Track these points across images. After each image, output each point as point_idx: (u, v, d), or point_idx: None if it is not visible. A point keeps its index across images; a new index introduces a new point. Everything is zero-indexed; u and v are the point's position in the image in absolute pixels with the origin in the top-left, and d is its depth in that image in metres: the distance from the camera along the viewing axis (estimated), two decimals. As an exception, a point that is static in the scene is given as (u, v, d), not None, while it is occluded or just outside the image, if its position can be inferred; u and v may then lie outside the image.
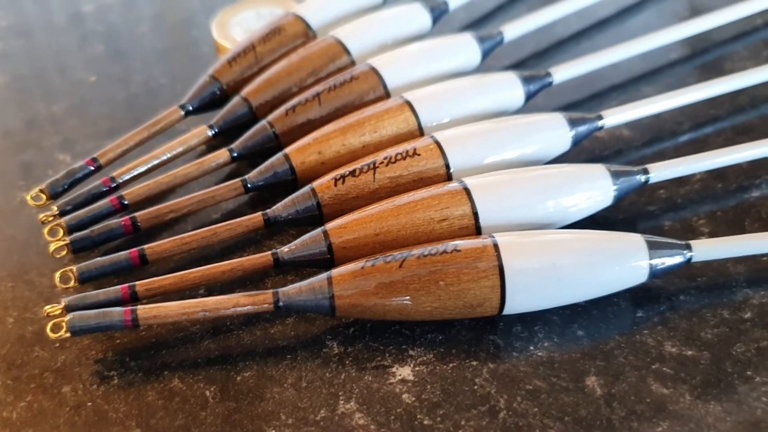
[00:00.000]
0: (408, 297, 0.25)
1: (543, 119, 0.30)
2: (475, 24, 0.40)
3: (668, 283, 0.27)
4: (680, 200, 0.30)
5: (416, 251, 0.25)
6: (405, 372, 0.25)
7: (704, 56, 0.37)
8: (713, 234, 0.29)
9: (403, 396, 0.25)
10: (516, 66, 0.37)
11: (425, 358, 0.26)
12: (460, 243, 0.26)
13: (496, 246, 0.25)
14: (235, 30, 0.39)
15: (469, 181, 0.27)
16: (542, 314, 0.27)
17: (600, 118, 0.31)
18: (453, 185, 0.27)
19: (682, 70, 0.36)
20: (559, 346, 0.26)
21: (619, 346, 0.26)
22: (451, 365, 0.26)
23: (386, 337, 0.26)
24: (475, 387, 0.25)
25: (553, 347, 0.26)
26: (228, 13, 0.40)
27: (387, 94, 0.32)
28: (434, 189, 0.27)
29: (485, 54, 0.35)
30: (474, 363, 0.26)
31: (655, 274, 0.26)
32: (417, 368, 0.25)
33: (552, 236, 0.26)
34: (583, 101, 0.35)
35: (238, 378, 0.26)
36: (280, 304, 0.26)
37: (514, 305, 0.25)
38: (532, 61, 0.37)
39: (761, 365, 0.25)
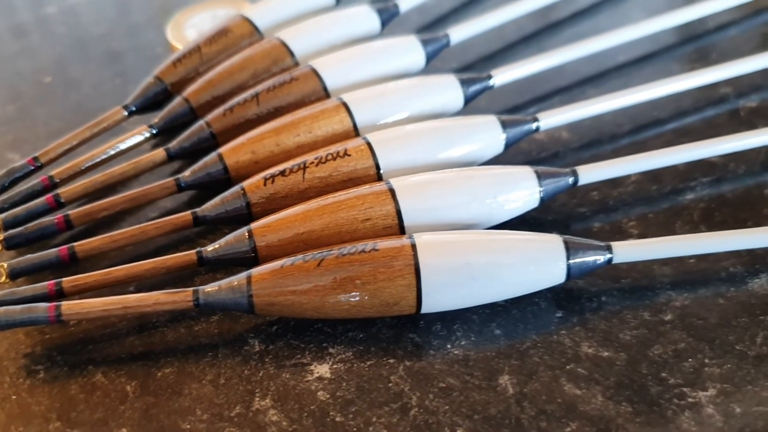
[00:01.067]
0: (325, 296, 0.25)
1: (476, 122, 0.31)
2: (430, 26, 0.40)
3: (591, 284, 0.27)
4: (612, 202, 0.30)
5: (335, 251, 0.26)
6: (323, 370, 0.26)
7: (653, 59, 0.37)
8: (642, 236, 0.29)
9: (319, 393, 0.25)
10: (464, 69, 0.37)
11: (344, 356, 0.26)
12: (379, 242, 0.26)
13: (413, 246, 0.25)
14: (189, 32, 0.39)
15: (395, 182, 0.28)
16: (462, 313, 0.27)
17: (535, 120, 0.31)
18: (379, 186, 0.27)
19: (629, 72, 0.36)
20: (476, 344, 0.26)
21: (535, 346, 0.26)
22: (368, 363, 0.26)
23: (308, 335, 0.27)
24: (390, 384, 0.25)
25: (470, 346, 0.26)
26: (184, 15, 0.40)
27: (327, 96, 0.32)
28: (360, 189, 0.28)
29: (430, 56, 0.35)
30: (391, 361, 0.26)
31: (573, 275, 0.26)
32: (335, 366, 0.26)
33: (470, 236, 0.26)
34: (526, 104, 0.35)
35: (159, 374, 0.26)
36: (200, 301, 0.26)
37: (431, 304, 0.26)
38: (480, 64, 0.38)
39: (676, 367, 0.25)
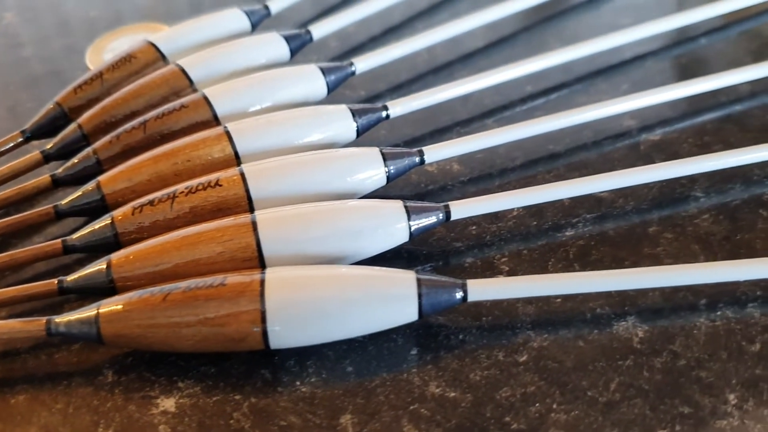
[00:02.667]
0: (169, 330, 0.25)
1: (357, 153, 0.30)
2: (348, 54, 0.40)
3: (452, 321, 0.27)
4: (489, 237, 0.30)
5: (184, 284, 0.26)
6: (168, 403, 0.26)
7: (561, 90, 0.36)
8: (512, 272, 0.28)
9: (161, 427, 0.25)
10: (370, 99, 0.37)
11: (191, 391, 0.26)
12: (229, 277, 0.26)
13: (262, 281, 0.25)
14: (107, 56, 0.39)
15: (260, 214, 0.27)
16: (319, 348, 0.26)
17: (421, 153, 0.31)
18: (242, 218, 0.27)
19: (534, 104, 0.36)
20: (325, 382, 0.26)
21: (383, 384, 0.25)
22: (214, 399, 0.26)
23: (161, 367, 0.27)
24: (231, 421, 0.25)
25: (320, 383, 0.26)
26: (106, 39, 0.41)
27: (218, 124, 0.32)
28: (222, 221, 0.27)
29: (334, 85, 0.35)
30: (237, 397, 0.25)
31: (426, 312, 0.26)
32: (181, 400, 0.26)
33: (322, 272, 0.26)
34: (427, 135, 0.35)
35: (13, 400, 0.26)
36: (52, 331, 0.26)
37: (279, 341, 0.25)
38: (389, 93, 0.37)
39: (522, 412, 0.24)
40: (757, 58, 0.37)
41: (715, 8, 0.38)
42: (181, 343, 0.26)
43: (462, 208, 0.29)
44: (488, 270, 0.29)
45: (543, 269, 0.29)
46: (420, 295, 0.25)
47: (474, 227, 0.30)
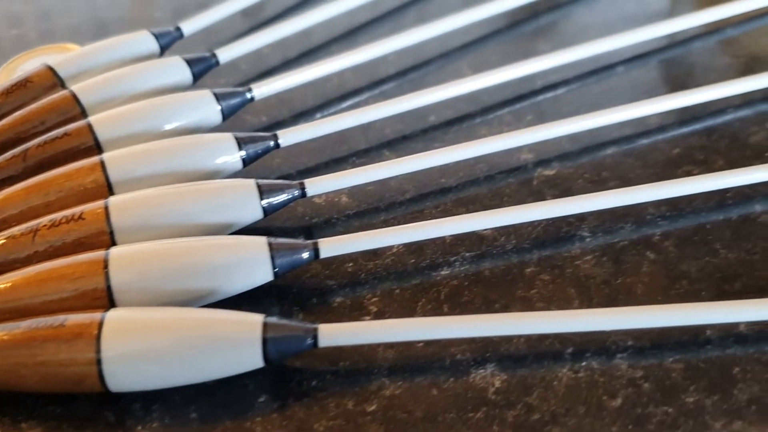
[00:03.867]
0: (9, 370, 0.25)
1: (232, 186, 0.30)
2: (260, 78, 0.39)
3: (308, 365, 0.26)
4: (364, 275, 0.29)
5: (25, 323, 0.25)
6: (8, 446, 0.25)
7: (462, 121, 0.35)
8: (380, 314, 0.28)
9: (-5, 471, 0.24)
10: (272, 126, 0.36)
11: (33, 432, 0.25)
12: (70, 317, 0.25)
13: (101, 323, 0.25)
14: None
15: (114, 251, 0.27)
16: (166, 392, 0.26)
17: (302, 186, 0.30)
18: (95, 254, 0.27)
19: (435, 134, 0.35)
20: (168, 428, 0.25)
21: (225, 433, 0.25)
22: (54, 441, 0.25)
23: (8, 406, 0.26)
24: (66, 466, 0.24)
25: (162, 429, 0.25)
26: (19, 60, 0.40)
27: (100, 152, 0.32)
28: (76, 257, 0.27)
29: (229, 111, 0.34)
30: (77, 440, 0.25)
31: (273, 359, 0.25)
32: (21, 442, 0.25)
33: (163, 314, 0.25)
34: (321, 165, 0.34)
35: None
36: None
37: (117, 385, 0.25)
38: (292, 120, 0.36)
39: (361, 464, 0.24)
40: (674, 87, 0.36)
41: (632, 36, 0.37)
42: (22, 383, 0.25)
43: (332, 246, 0.28)
44: (356, 311, 0.28)
45: (411, 310, 0.28)
46: (265, 341, 0.25)
47: (350, 264, 0.29)
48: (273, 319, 0.25)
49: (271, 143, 0.32)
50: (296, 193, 0.30)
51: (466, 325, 0.25)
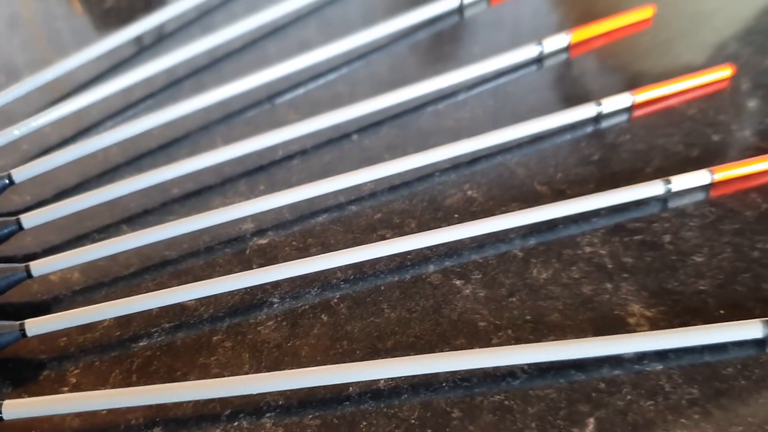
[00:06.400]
0: None
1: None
2: (42, 155, 0.43)
3: (3, 437, 0.30)
4: (74, 349, 0.33)
5: None
6: None
7: (201, 193, 0.39)
8: (77, 386, 0.32)
9: None
10: (37, 204, 0.40)
11: None
12: None
13: None
14: None
15: None
16: None
17: (27, 269, 0.34)
18: None
19: (172, 207, 0.39)
20: None
21: None
22: None
23: None
24: None
25: None
26: None
27: None
28: None
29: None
30: None
31: (-41, 434, 0.29)
32: None
33: None
34: (65, 243, 0.37)
35: None
36: None
37: None
38: (55, 198, 0.40)
39: None
40: (396, 155, 0.39)
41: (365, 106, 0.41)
42: None
43: (39, 326, 0.32)
44: (57, 383, 0.32)
45: (105, 381, 0.32)
46: (-51, 420, 0.29)
47: (64, 338, 0.33)
48: (-43, 400, 0.29)
49: (15, 227, 0.36)
50: (21, 275, 0.34)
51: (135, 396, 0.29)
